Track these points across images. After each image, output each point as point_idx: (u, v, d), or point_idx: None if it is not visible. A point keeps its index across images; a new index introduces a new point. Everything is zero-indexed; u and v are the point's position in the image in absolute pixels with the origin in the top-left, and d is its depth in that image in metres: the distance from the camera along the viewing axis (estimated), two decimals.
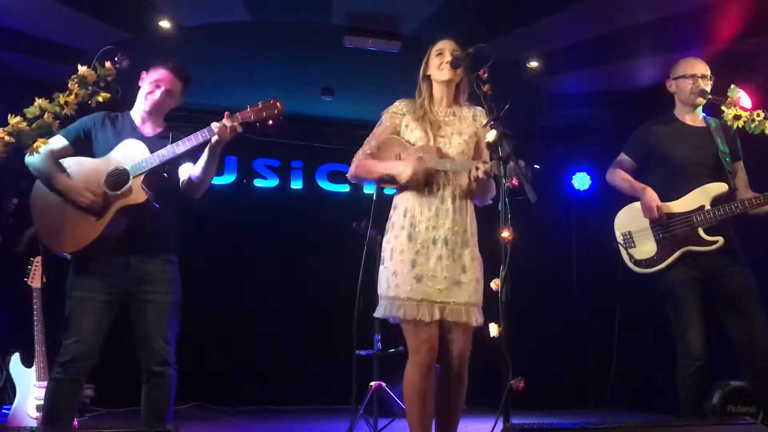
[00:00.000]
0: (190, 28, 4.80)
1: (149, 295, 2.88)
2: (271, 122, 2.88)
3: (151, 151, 2.88)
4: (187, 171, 3.01)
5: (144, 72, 3.06)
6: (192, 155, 2.95)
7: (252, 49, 5.22)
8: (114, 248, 2.85)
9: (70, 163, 2.93)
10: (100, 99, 2.69)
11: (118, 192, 2.83)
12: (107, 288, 2.83)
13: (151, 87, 3.01)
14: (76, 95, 2.60)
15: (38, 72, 5.19)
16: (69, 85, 2.63)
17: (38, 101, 2.57)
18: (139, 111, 3.06)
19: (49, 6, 4.45)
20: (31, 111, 2.56)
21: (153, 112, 3.05)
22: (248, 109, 2.88)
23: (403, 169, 2.78)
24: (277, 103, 2.89)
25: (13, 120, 2.51)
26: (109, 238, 2.83)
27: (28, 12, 4.52)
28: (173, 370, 2.89)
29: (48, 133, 2.62)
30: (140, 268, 2.88)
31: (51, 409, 2.79)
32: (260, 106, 2.88)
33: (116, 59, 2.79)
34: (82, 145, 2.97)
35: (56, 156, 2.90)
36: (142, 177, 2.85)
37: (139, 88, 3.07)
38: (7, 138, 2.49)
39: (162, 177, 2.95)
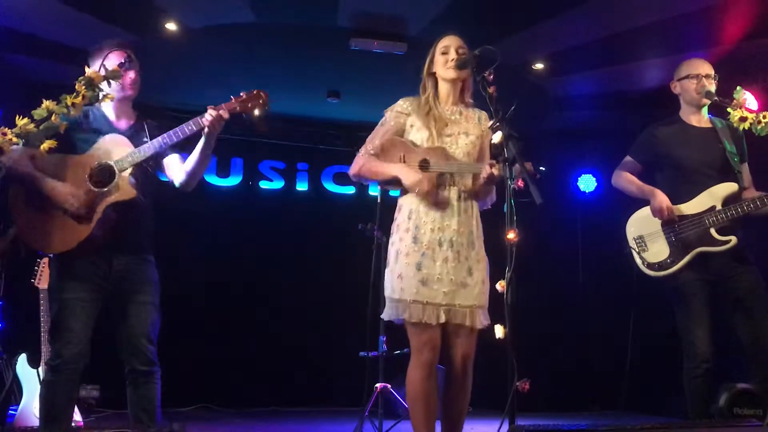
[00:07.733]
0: (197, 29, 4.82)
1: (133, 296, 2.83)
2: (257, 112, 2.87)
3: (132, 145, 2.82)
4: (176, 163, 2.97)
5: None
6: (177, 147, 2.90)
7: (258, 50, 5.23)
8: (99, 247, 2.77)
9: (52, 160, 2.78)
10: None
11: (105, 189, 2.75)
12: (93, 288, 2.77)
13: (122, 71, 2.81)
14: (83, 97, 2.60)
15: (45, 74, 5.22)
16: (76, 87, 2.61)
17: (45, 103, 2.57)
18: (110, 104, 2.89)
19: (57, 8, 4.47)
20: (39, 113, 2.56)
21: (129, 97, 2.93)
22: (233, 100, 2.86)
23: (407, 176, 2.74)
24: (261, 93, 2.87)
25: (21, 122, 2.51)
26: (97, 237, 2.75)
27: (35, 14, 4.55)
28: (158, 368, 2.85)
29: (55, 135, 2.61)
30: (123, 268, 2.83)
31: (48, 413, 2.73)
32: (244, 96, 2.86)
33: (124, 61, 2.79)
34: (61, 143, 2.70)
35: (32, 155, 2.74)
36: (129, 172, 2.79)
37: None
38: (14, 139, 2.49)
39: (147, 171, 2.91)
